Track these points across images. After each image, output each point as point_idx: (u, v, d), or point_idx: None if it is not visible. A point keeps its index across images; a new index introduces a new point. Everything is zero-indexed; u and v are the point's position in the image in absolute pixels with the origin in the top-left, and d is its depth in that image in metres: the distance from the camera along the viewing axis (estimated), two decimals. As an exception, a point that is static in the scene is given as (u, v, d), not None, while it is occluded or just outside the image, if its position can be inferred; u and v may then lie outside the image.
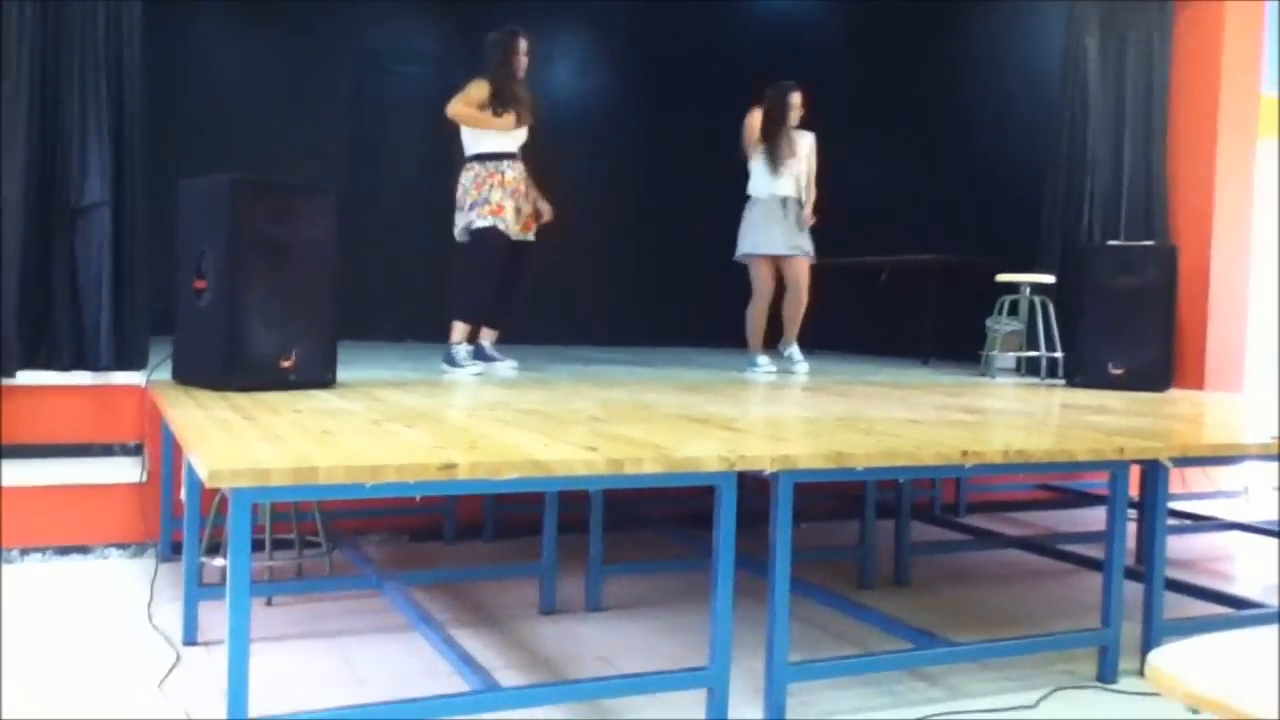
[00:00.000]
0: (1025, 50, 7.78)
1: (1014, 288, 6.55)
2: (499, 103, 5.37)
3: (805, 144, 6.29)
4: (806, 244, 6.26)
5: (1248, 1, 6.58)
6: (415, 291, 8.33)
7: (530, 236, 5.55)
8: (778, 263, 6.27)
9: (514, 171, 5.44)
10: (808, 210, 6.26)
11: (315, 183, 4.16)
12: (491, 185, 5.38)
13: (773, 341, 6.41)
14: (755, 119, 6.26)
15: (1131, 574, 3.42)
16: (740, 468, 2.58)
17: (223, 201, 3.81)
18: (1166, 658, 1.36)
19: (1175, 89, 6.74)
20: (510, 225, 5.38)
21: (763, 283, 6.28)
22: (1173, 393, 5.67)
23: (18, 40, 4.28)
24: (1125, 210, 6.65)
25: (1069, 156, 6.64)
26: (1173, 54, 6.75)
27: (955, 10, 8.40)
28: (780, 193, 6.23)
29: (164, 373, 4.19)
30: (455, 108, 5.37)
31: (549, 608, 3.81)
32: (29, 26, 4.31)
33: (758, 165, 6.27)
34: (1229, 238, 6.59)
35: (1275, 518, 5.66)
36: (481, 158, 5.43)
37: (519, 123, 5.43)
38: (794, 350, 6.36)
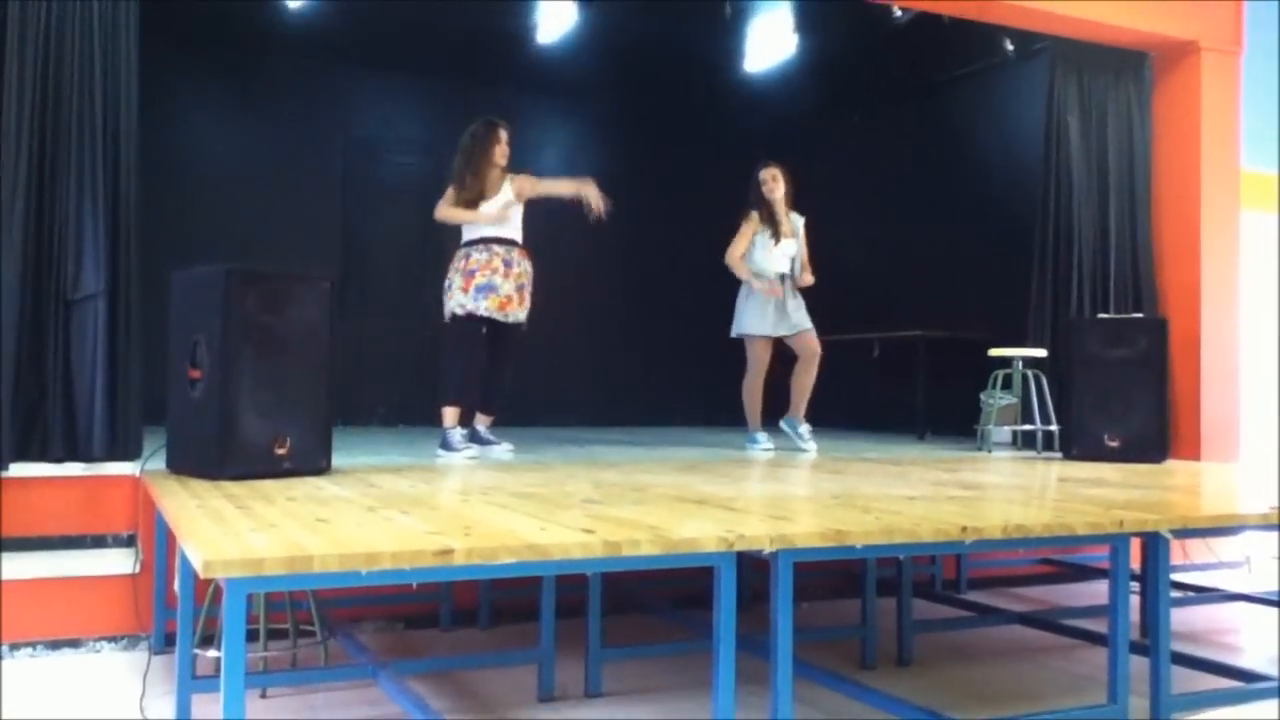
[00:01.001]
0: (1008, 126, 7.91)
1: (1007, 361, 6.58)
2: (467, 195, 5.47)
3: (799, 224, 6.38)
4: (806, 318, 6.30)
5: (1223, 78, 6.72)
6: (408, 375, 8.35)
7: (514, 318, 5.51)
8: (782, 340, 6.29)
9: (484, 254, 5.44)
10: (806, 277, 6.30)
11: (309, 271, 4.18)
12: (457, 270, 5.46)
13: (767, 417, 6.40)
14: (748, 229, 6.33)
15: (1137, 648, 3.38)
16: (739, 548, 2.57)
17: (216, 291, 3.83)
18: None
19: (1157, 163, 6.86)
20: (480, 304, 5.39)
21: (760, 360, 6.29)
22: (1170, 463, 5.67)
23: (16, 131, 4.33)
24: (1114, 282, 6.72)
25: (1055, 231, 6.72)
26: (1153, 128, 6.88)
27: (938, 88, 8.55)
28: (778, 269, 6.28)
29: (157, 462, 4.17)
30: (440, 211, 5.54)
31: (547, 694, 3.75)
32: (27, 115, 4.36)
33: (761, 242, 6.31)
34: (1218, 308, 6.64)
35: (1277, 588, 5.62)
36: (462, 244, 5.53)
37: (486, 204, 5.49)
38: (805, 427, 6.31)
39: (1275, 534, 5.78)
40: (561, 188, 5.67)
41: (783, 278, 6.31)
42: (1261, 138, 6.88)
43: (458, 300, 5.41)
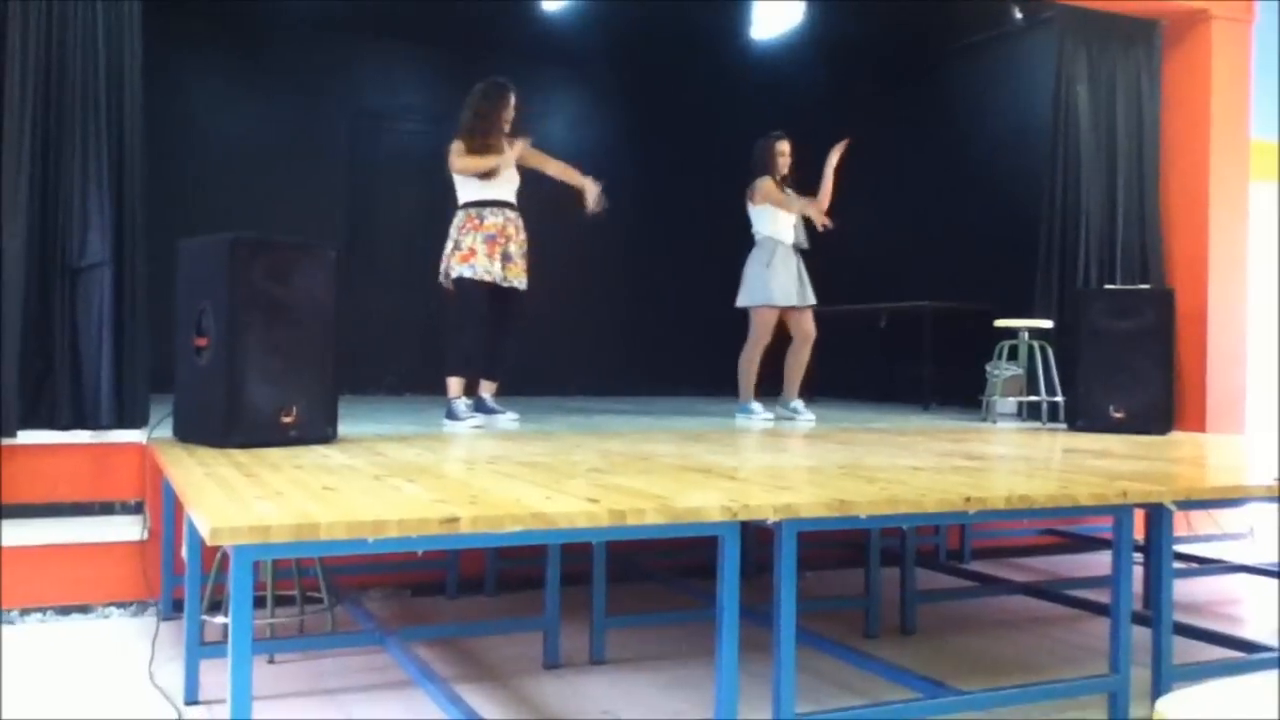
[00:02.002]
0: (1016, 97, 7.86)
1: (1013, 333, 6.57)
2: (480, 152, 5.42)
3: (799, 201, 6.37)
4: (812, 294, 6.30)
5: (1233, 46, 6.67)
6: (414, 345, 8.36)
7: (519, 283, 5.49)
8: (785, 313, 6.28)
9: (496, 218, 5.41)
10: (822, 201, 6.25)
11: (315, 241, 4.18)
12: (467, 230, 5.40)
13: (760, 391, 6.40)
14: (769, 185, 6.31)
15: (1139, 619, 3.39)
16: (743, 517, 2.57)
17: (222, 260, 3.83)
18: (1173, 705, 1.35)
19: (1166, 133, 6.82)
20: (486, 270, 5.37)
21: (767, 330, 6.26)
22: (1174, 435, 5.67)
23: (20, 100, 4.33)
24: (1121, 254, 6.70)
25: (1063, 202, 6.69)
26: (1162, 99, 6.83)
27: (945, 59, 8.49)
28: (790, 240, 6.28)
29: (164, 430, 4.19)
30: (456, 164, 5.44)
31: (552, 661, 3.78)
32: (31, 85, 4.36)
33: (765, 210, 6.30)
34: (1225, 280, 6.62)
35: (1278, 559, 5.63)
36: (465, 206, 5.46)
37: (500, 169, 5.43)
38: (798, 402, 6.33)
39: (1278, 506, 5.80)
40: (568, 174, 5.64)
41: (795, 248, 6.30)
42: (1267, 107, 6.82)
43: (471, 265, 5.34)
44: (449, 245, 5.46)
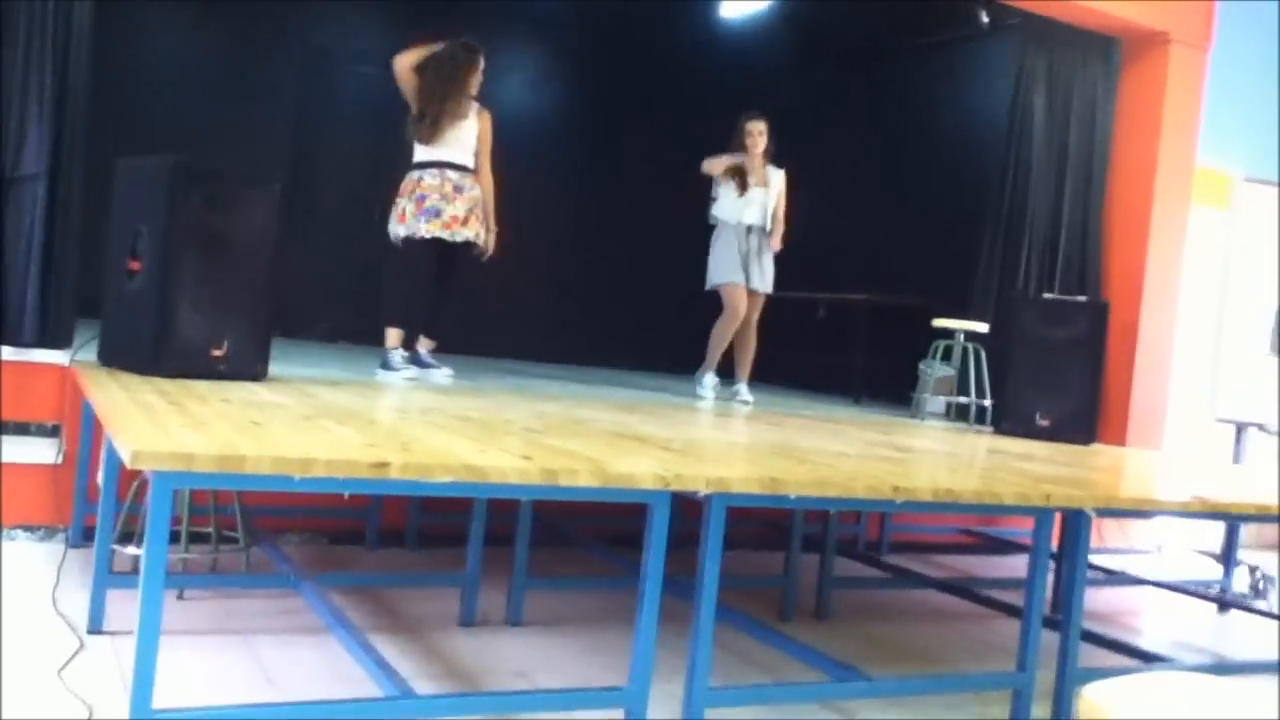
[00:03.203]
0: (973, 100, 7.92)
1: (948, 333, 6.65)
2: (420, 122, 5.39)
3: (778, 178, 6.33)
4: (769, 281, 6.29)
5: (1188, 71, 6.78)
6: (352, 293, 8.22)
7: (461, 236, 5.41)
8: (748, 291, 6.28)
9: (436, 179, 5.38)
10: (775, 239, 6.28)
11: (260, 172, 4.09)
12: (407, 195, 5.39)
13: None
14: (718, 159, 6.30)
15: (1047, 622, 3.46)
16: (675, 487, 2.57)
17: (163, 184, 3.73)
18: (1100, 692, 1.38)
19: (1116, 150, 6.93)
20: (424, 226, 5.32)
21: (738, 306, 6.20)
22: (1096, 446, 5.78)
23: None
24: (1061, 263, 6.80)
25: (1009, 206, 6.78)
26: (1115, 115, 6.93)
27: (904, 53, 8.53)
28: (747, 220, 6.24)
29: (89, 354, 4.08)
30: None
31: (469, 619, 3.76)
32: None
33: (726, 190, 6.28)
34: (1158, 297, 6.76)
35: (1187, 578, 5.79)
36: (414, 165, 5.45)
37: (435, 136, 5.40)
38: (741, 386, 6.33)
39: (1189, 522, 5.96)
40: (488, 201, 5.60)
41: (750, 230, 6.26)
42: (1216, 134, 6.96)
43: (409, 225, 5.33)
44: (397, 205, 5.44)
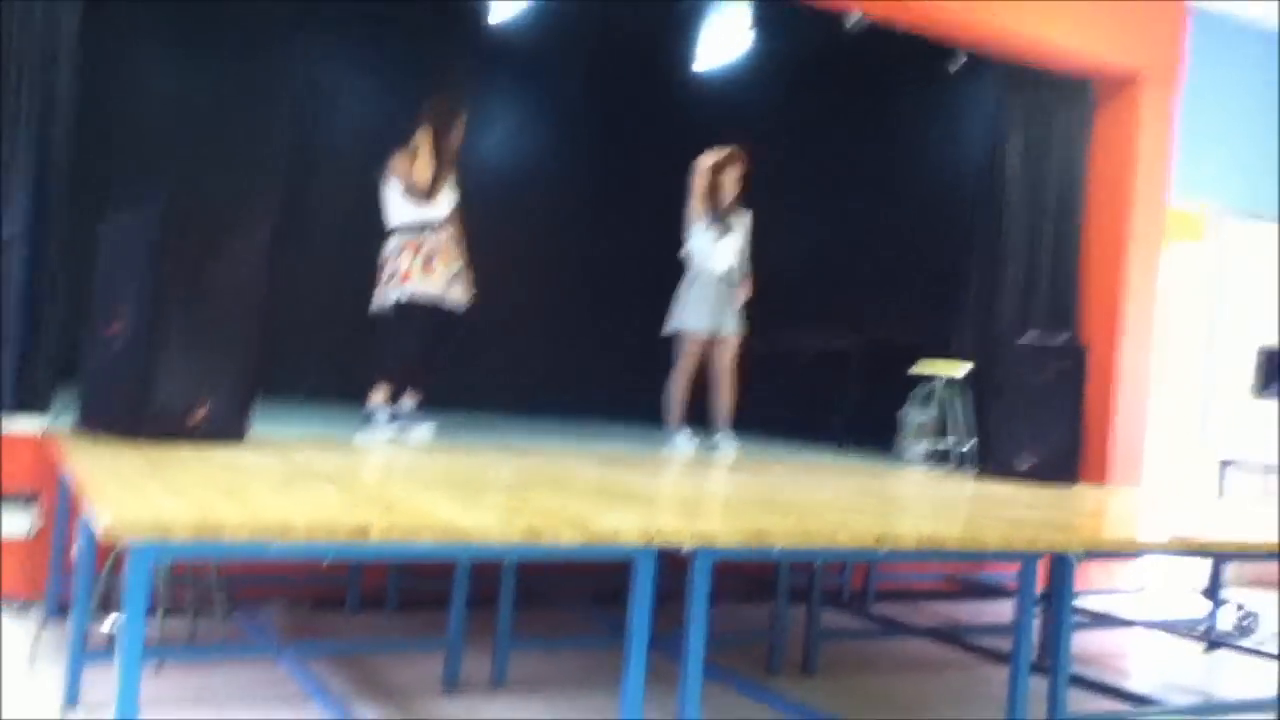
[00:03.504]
0: (950, 144, 7.99)
1: (929, 377, 6.67)
2: (423, 174, 5.37)
3: (745, 221, 6.36)
4: (737, 325, 6.27)
5: (1159, 112, 6.89)
6: (337, 349, 8.16)
7: (459, 301, 5.44)
8: (709, 342, 6.26)
9: (436, 239, 5.39)
10: (745, 286, 6.30)
11: (246, 225, 4.03)
12: (403, 253, 5.36)
13: (691, 419, 6.39)
14: (702, 176, 6.30)
15: (1035, 667, 3.44)
16: (659, 543, 2.55)
17: (146, 244, 3.70)
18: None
19: (1090, 189, 7.01)
20: (425, 285, 5.32)
21: (691, 358, 6.20)
22: (1079, 487, 5.78)
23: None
24: (1039, 304, 6.85)
25: (988, 249, 6.82)
26: (1089, 156, 7.02)
27: (883, 98, 8.62)
28: (720, 268, 6.24)
29: (68, 420, 4.03)
30: (413, 176, 5.37)
31: (453, 683, 3.70)
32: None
33: (701, 234, 6.28)
34: (1136, 337, 6.81)
35: (1173, 617, 5.78)
36: (400, 230, 5.42)
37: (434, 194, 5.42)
38: (721, 435, 6.28)
39: (1174, 560, 5.96)
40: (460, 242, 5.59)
41: (724, 275, 6.25)
42: (1189, 171, 7.05)
43: (394, 288, 5.30)
44: (386, 270, 5.39)
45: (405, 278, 5.33)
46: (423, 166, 5.38)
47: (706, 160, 6.30)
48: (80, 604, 3.27)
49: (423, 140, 5.41)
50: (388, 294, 5.38)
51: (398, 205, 5.44)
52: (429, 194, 5.38)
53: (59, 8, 4.41)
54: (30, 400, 4.30)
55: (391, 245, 5.43)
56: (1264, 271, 7.46)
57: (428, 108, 5.50)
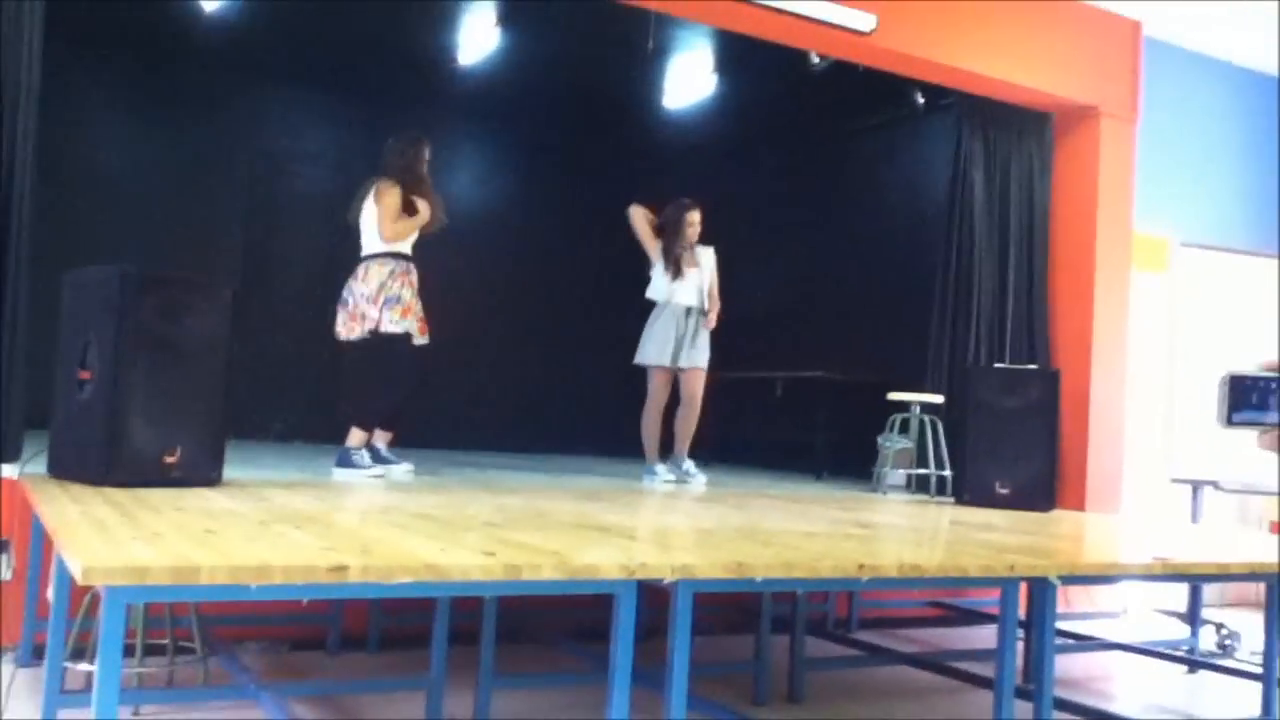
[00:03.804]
0: (914, 177, 8.11)
1: (904, 406, 6.70)
2: (411, 206, 5.32)
3: (707, 257, 6.45)
4: (704, 357, 6.35)
5: (1119, 143, 6.99)
6: (305, 393, 8.18)
7: (425, 339, 5.41)
8: (674, 374, 6.33)
9: (415, 274, 5.38)
10: (711, 318, 6.37)
11: (211, 279, 4.08)
12: (404, 285, 5.28)
13: (666, 451, 6.43)
14: (638, 215, 6.43)
15: (1019, 692, 3.44)
16: (640, 576, 2.55)
17: (111, 293, 3.71)
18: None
19: (1055, 220, 7.10)
20: (411, 326, 5.30)
21: (659, 390, 6.33)
22: (1056, 512, 5.81)
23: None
24: (1010, 333, 6.91)
25: (956, 280, 6.89)
26: (1052, 187, 7.12)
27: (847, 136, 8.73)
28: (684, 302, 6.33)
29: (37, 466, 4.00)
30: (388, 230, 5.26)
31: (435, 722, 3.67)
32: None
33: (660, 273, 6.37)
34: (1107, 362, 6.87)
35: (1153, 638, 5.80)
36: (395, 256, 5.30)
37: (434, 223, 5.39)
38: (689, 464, 6.37)
39: (1153, 584, 5.98)
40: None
41: (689, 311, 6.35)
42: (1150, 201, 7.15)
43: (392, 319, 5.21)
44: (382, 293, 5.23)
45: (404, 312, 5.25)
46: (393, 199, 5.29)
47: (636, 210, 6.44)
48: (55, 648, 3.22)
49: (387, 189, 5.30)
50: (376, 320, 5.22)
51: (389, 228, 5.28)
52: (413, 222, 5.32)
53: (20, 73, 4.42)
54: (-1, 448, 4.27)
55: (381, 271, 5.27)
56: (1224, 301, 7.55)
57: (389, 150, 5.45)
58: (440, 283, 5.66)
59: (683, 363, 6.29)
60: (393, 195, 5.29)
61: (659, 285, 6.38)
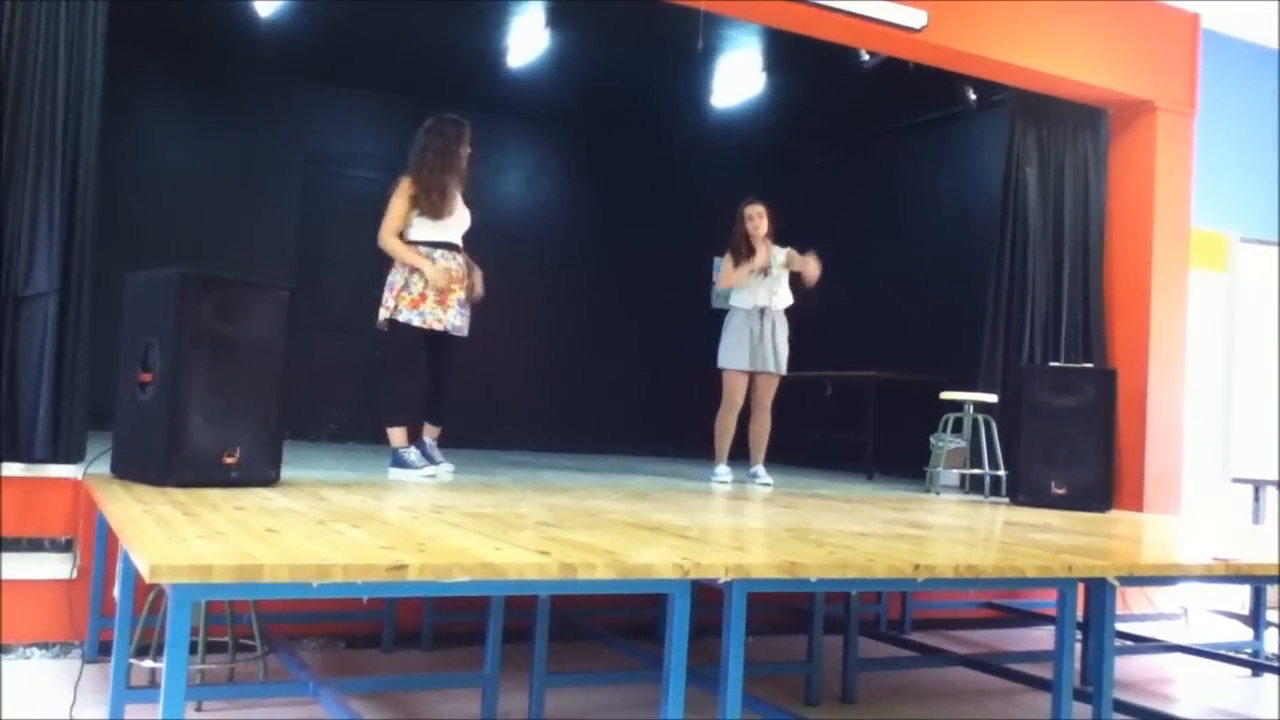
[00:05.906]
0: (967, 174, 8.04)
1: (958, 405, 6.64)
2: (428, 197, 5.23)
3: (781, 256, 6.43)
4: (781, 360, 6.34)
5: (1176, 137, 6.88)
6: (359, 393, 8.26)
7: (463, 328, 5.34)
8: (751, 377, 6.33)
9: (446, 261, 5.26)
10: (810, 265, 6.36)
11: (269, 280, 4.14)
12: (417, 275, 5.20)
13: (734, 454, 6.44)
14: (726, 268, 6.46)
15: (1077, 694, 3.40)
16: (694, 576, 2.55)
17: (172, 295, 3.77)
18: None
19: (1111, 217, 7.01)
20: (437, 318, 5.22)
21: (733, 393, 6.34)
22: (1113, 513, 5.74)
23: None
24: (1065, 332, 6.84)
25: (1010, 278, 6.83)
26: (1108, 184, 7.02)
27: (900, 134, 8.67)
28: (760, 303, 6.33)
29: (101, 466, 4.09)
30: (386, 241, 5.24)
31: (489, 719, 3.70)
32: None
33: (733, 274, 6.38)
34: (1164, 361, 6.77)
35: (1216, 640, 5.70)
36: (432, 244, 5.27)
37: (447, 213, 5.28)
38: (759, 469, 6.38)
39: (1214, 586, 5.89)
40: (470, 263, 5.45)
41: (762, 311, 6.34)
42: (1209, 197, 7.03)
43: (402, 307, 5.17)
44: (396, 282, 5.22)
45: (414, 303, 5.19)
46: (402, 202, 5.23)
47: (749, 208, 6.43)
48: (121, 644, 3.29)
49: (399, 184, 5.27)
50: (395, 309, 5.20)
51: (415, 223, 5.26)
52: (437, 201, 5.23)
53: (83, 85, 4.51)
54: (64, 449, 4.38)
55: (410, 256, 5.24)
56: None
57: (422, 138, 5.34)
58: (488, 282, 5.69)
59: (758, 365, 6.30)
60: (399, 193, 5.26)
61: (738, 292, 6.39)
